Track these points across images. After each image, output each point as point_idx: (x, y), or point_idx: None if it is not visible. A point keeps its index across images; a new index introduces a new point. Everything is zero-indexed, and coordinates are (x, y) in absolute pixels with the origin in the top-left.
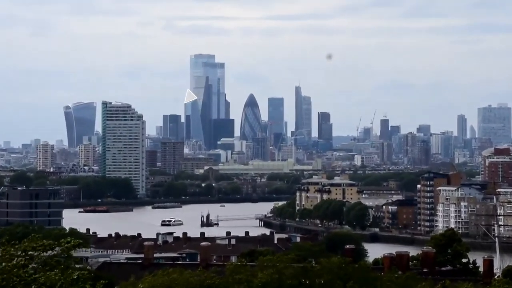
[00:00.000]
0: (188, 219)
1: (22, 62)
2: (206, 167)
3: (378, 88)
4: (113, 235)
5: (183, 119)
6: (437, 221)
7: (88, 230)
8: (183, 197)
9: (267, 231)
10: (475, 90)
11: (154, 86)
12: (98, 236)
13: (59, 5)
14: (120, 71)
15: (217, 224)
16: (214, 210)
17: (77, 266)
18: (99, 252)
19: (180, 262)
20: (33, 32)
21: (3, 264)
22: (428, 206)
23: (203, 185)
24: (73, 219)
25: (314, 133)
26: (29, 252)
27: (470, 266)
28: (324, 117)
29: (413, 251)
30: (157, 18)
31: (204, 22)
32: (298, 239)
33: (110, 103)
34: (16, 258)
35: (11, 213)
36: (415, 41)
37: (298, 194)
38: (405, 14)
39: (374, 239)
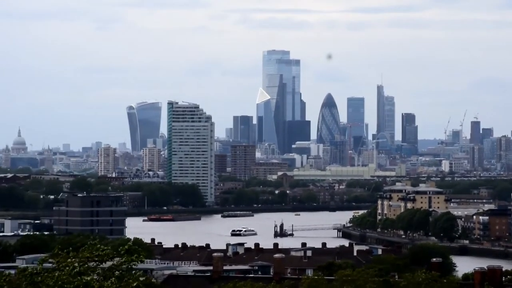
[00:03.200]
0: (260, 229)
1: (85, 58)
2: (279, 173)
3: (470, 86)
4: (180, 246)
5: (255, 121)
6: None
7: (153, 240)
8: (255, 205)
9: (345, 243)
10: None
11: (224, 85)
12: (164, 246)
13: None
14: (188, 68)
15: (291, 234)
16: (288, 219)
17: (141, 278)
18: (164, 264)
19: (252, 275)
20: (98, 27)
21: (57, 273)
22: None
23: (276, 192)
24: (137, 228)
25: (398, 136)
26: (87, 262)
27: None
28: (408, 119)
29: (507, 266)
30: (231, 11)
31: (283, 15)
32: (379, 252)
33: (177, 103)
34: (71, 266)
35: (70, 222)
36: (510, 35)
37: (379, 202)
38: (505, 5)
39: (464, 252)
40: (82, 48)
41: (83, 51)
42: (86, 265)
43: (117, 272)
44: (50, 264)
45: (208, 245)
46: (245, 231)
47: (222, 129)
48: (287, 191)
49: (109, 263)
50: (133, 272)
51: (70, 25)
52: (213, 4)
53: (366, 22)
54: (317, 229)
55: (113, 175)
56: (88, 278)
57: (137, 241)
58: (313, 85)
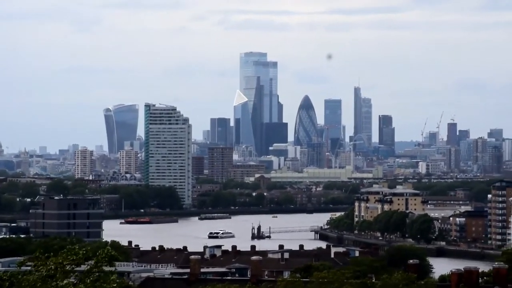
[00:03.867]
0: (237, 231)
1: (64, 60)
2: (257, 175)
3: (447, 88)
4: (157, 248)
5: (232, 123)
6: (509, 234)
7: (130, 242)
8: (232, 207)
9: (323, 245)
10: None
11: (202, 87)
12: (141, 249)
13: None
14: (166, 70)
15: (269, 236)
16: (265, 221)
17: (117, 280)
18: (142, 266)
19: (229, 277)
20: (78, 28)
21: (31, 277)
22: (500, 218)
23: (253, 194)
24: (114, 230)
25: (375, 138)
26: (64, 265)
27: None
28: (385, 121)
29: (483, 267)
30: (211, 12)
31: (263, 17)
32: (357, 253)
33: (154, 105)
34: (45, 269)
35: (47, 224)
36: (491, 37)
37: (357, 204)
38: (482, 7)
39: (440, 253)
40: (61, 50)
41: (61, 53)
42: (61, 269)
43: (92, 275)
44: (28, 267)
45: (185, 248)
46: (222, 233)
47: (199, 131)
48: (265, 193)
49: (84, 266)
50: (110, 275)
51: (49, 26)
52: (193, 5)
53: (345, 23)
54: (295, 231)
55: (90, 178)
56: (64, 283)
57: (114, 244)
58: (290, 87)
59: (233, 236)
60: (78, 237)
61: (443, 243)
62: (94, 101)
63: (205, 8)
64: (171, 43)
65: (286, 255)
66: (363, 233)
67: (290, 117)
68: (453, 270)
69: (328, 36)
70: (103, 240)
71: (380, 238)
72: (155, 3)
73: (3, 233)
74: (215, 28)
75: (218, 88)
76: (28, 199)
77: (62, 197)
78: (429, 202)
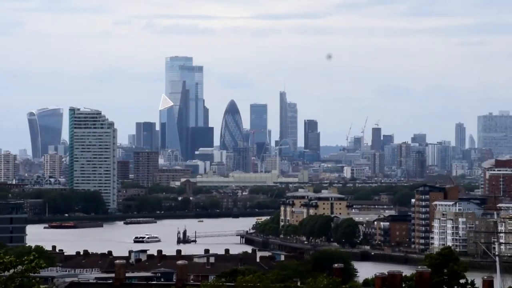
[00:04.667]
0: (163, 236)
1: None
2: (182, 179)
3: (372, 93)
4: (82, 253)
5: (158, 127)
6: (432, 238)
7: (54, 247)
8: (158, 212)
9: (248, 249)
10: (475, 96)
11: (127, 91)
12: (65, 254)
13: (29, 2)
14: (91, 74)
15: (194, 241)
16: (191, 225)
17: (42, 286)
18: (66, 271)
19: (154, 282)
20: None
21: None
22: (423, 222)
23: (179, 198)
24: (38, 235)
25: (300, 143)
26: None
27: (468, 287)
28: (311, 126)
29: (406, 271)
30: (136, 17)
31: (188, 21)
32: (282, 258)
33: (78, 109)
34: None
35: None
36: (414, 43)
37: (282, 208)
38: (405, 13)
39: (365, 257)
40: None
41: None
42: None
43: (17, 280)
44: None
45: (110, 252)
46: (148, 238)
47: (124, 135)
48: (190, 198)
49: (11, 271)
50: (34, 280)
51: None
52: (117, 9)
53: (271, 28)
54: (220, 236)
55: (13, 182)
56: None
57: (38, 249)
58: (216, 91)
59: (158, 241)
60: (1, 242)
61: (368, 247)
62: (17, 106)
63: (130, 13)
64: (96, 47)
65: (212, 260)
66: (288, 237)
67: (216, 121)
68: (377, 274)
69: (254, 41)
70: (27, 245)
71: (306, 242)
72: (79, 7)
73: None
74: (140, 33)
75: (144, 93)
76: None
77: None
78: (354, 206)
